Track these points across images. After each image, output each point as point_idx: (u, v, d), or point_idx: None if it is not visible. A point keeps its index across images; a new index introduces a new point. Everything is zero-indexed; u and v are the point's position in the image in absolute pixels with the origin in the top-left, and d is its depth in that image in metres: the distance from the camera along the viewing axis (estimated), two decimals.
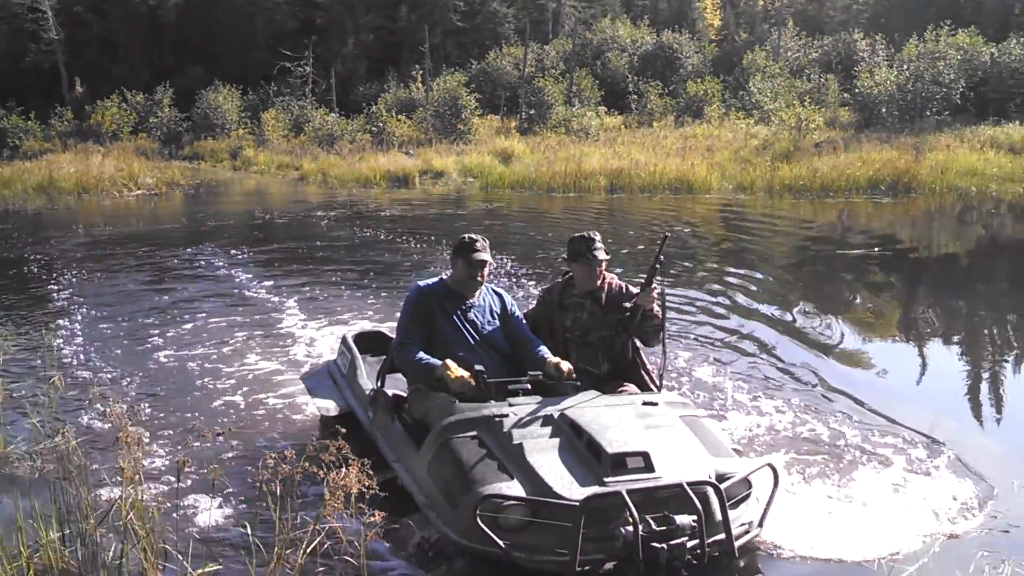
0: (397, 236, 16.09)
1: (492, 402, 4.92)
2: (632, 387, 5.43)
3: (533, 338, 5.53)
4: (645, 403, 5.01)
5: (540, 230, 17.49)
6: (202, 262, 13.90)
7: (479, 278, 5.43)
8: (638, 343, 5.63)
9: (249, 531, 4.27)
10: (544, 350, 5.42)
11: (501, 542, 4.09)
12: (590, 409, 4.81)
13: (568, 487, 4.23)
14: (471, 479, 4.38)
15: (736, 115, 35.25)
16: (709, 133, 31.56)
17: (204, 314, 10.31)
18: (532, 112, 36.49)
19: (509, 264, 12.82)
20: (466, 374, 5.03)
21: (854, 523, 4.87)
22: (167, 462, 5.73)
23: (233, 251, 14.78)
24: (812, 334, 9.26)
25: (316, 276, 12.57)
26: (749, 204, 20.70)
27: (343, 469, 4.01)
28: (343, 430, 4.95)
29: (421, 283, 5.56)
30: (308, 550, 4.03)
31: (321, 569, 4.24)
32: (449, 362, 5.09)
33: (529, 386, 5.07)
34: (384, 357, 5.92)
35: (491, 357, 5.36)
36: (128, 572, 4.14)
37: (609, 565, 4.08)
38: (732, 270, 12.77)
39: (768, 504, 4.51)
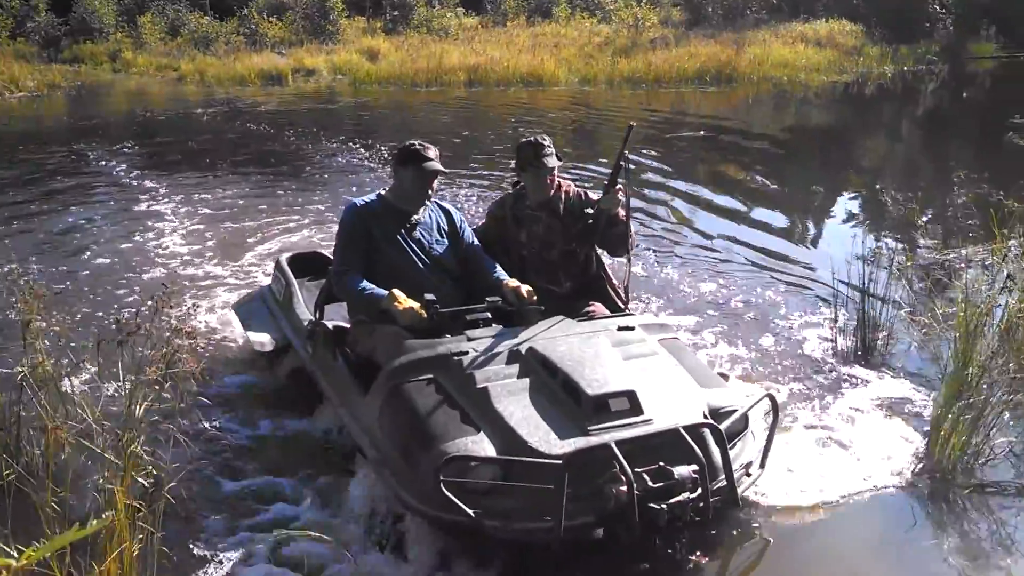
0: (277, 128, 15.51)
1: (447, 336, 3.83)
2: (600, 307, 4.43)
3: (487, 259, 4.36)
4: (620, 328, 3.97)
5: (408, 120, 17.26)
6: (90, 156, 13.11)
7: (430, 191, 4.23)
8: (602, 255, 4.67)
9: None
10: (501, 272, 4.28)
11: (470, 511, 3.11)
12: (561, 340, 3.77)
13: (546, 440, 3.23)
14: (430, 434, 3.35)
15: (581, 15, 35.00)
16: (557, 31, 31.20)
17: (96, 214, 9.78)
18: (395, 13, 35.45)
19: (385, 150, 12.55)
20: (415, 305, 3.89)
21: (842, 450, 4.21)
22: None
23: (118, 146, 13.97)
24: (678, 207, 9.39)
25: (201, 167, 12.05)
26: (593, 95, 20.74)
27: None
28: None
29: (357, 201, 4.31)
30: None
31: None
32: (396, 292, 3.94)
33: (488, 315, 3.98)
34: (324, 281, 4.68)
35: (442, 282, 4.21)
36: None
37: (599, 531, 3.19)
38: (582, 153, 12.82)
39: (768, 441, 3.59)
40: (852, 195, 10.14)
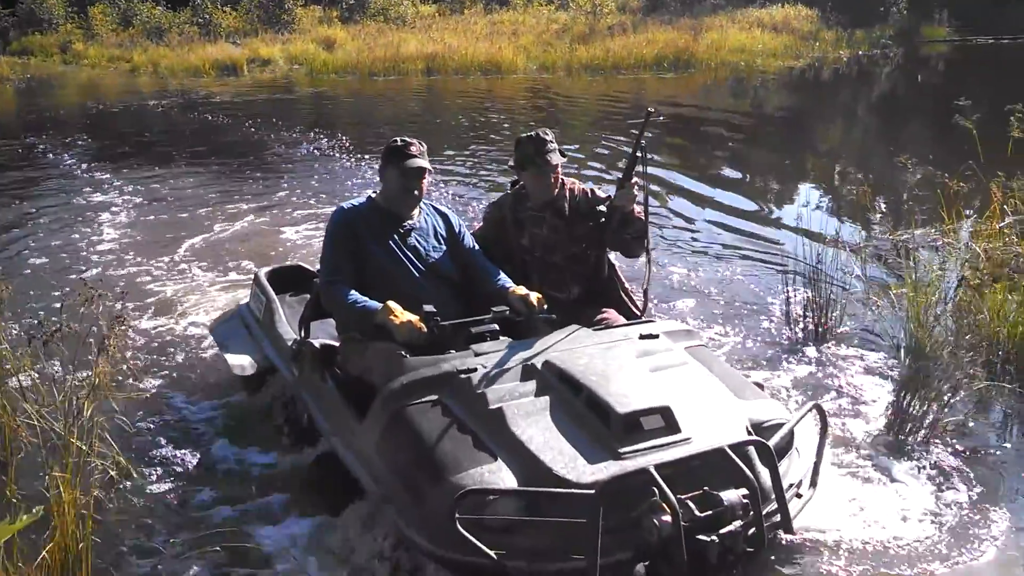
0: (234, 119, 15.40)
1: (452, 352, 3.45)
2: (613, 313, 4.09)
3: (490, 265, 4.01)
4: (643, 336, 3.59)
5: (367, 109, 17.20)
6: (41, 150, 12.96)
7: (417, 191, 3.85)
8: (613, 257, 4.35)
9: None
10: (505, 278, 3.92)
11: (491, 552, 2.71)
12: (580, 352, 3.40)
13: (574, 467, 2.84)
14: (441, 464, 2.93)
15: (538, 2, 35.01)
16: (515, 19, 31.18)
17: (46, 208, 9.69)
18: (352, 2, 35.22)
19: (347, 140, 12.54)
20: (414, 318, 3.49)
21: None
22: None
23: (70, 139, 13.81)
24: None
25: (157, 161, 11.94)
26: (553, 82, 20.79)
27: None
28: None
29: (344, 204, 3.93)
30: None
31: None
32: (391, 304, 3.54)
33: (496, 327, 3.60)
34: (307, 297, 4.36)
35: (441, 292, 3.84)
36: None
37: (640, 567, 2.74)
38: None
39: (819, 456, 3.27)
40: (808, 178, 10.34)
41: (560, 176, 4.14)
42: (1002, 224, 5.14)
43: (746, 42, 24.10)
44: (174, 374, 5.09)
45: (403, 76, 22.43)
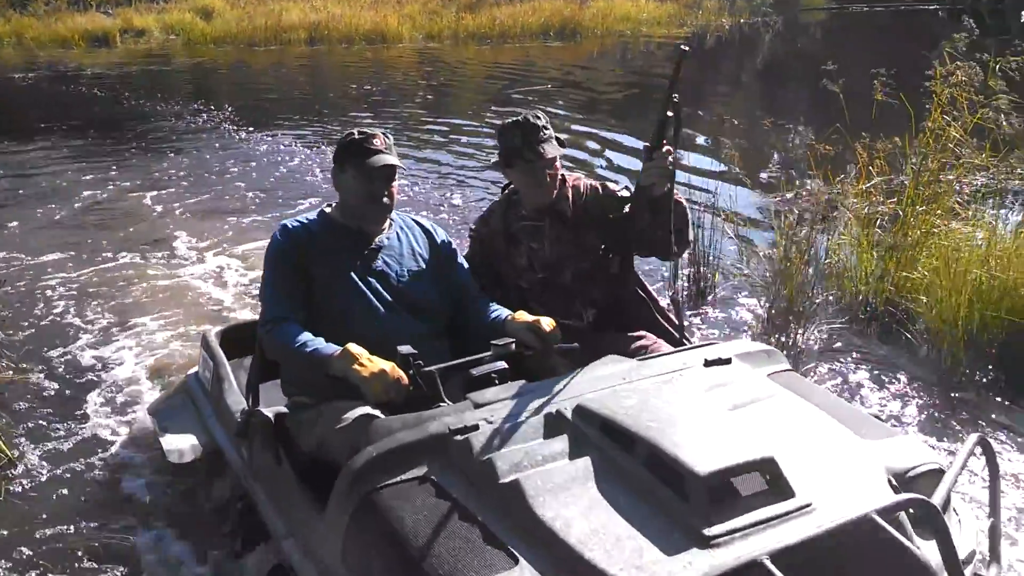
0: (110, 92, 14.94)
1: (444, 406, 2.47)
2: (652, 337, 3.24)
3: (481, 293, 3.17)
4: (708, 363, 2.61)
5: (249, 81, 16.91)
6: None
7: (386, 198, 2.97)
8: (637, 261, 3.43)
9: None
10: (499, 308, 3.06)
11: None
12: (625, 390, 2.42)
13: (638, 566, 1.83)
14: (433, 573, 1.95)
15: None
16: None
17: None
18: None
19: (231, 112, 12.35)
20: (387, 365, 2.56)
21: None
22: None
23: None
24: None
25: (26, 136, 11.55)
26: (440, 51, 20.81)
27: None
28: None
29: (288, 222, 3.02)
30: None
31: None
32: (353, 348, 2.61)
33: (503, 365, 2.62)
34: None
35: (418, 329, 2.93)
36: None
37: None
38: (435, 117, 12.97)
39: (994, 515, 2.35)
40: (688, 145, 10.69)
41: (560, 171, 3.27)
42: (868, 185, 5.49)
43: (631, 11, 24.55)
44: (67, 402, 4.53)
45: (285, 46, 22.05)
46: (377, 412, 2.52)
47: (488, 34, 22.47)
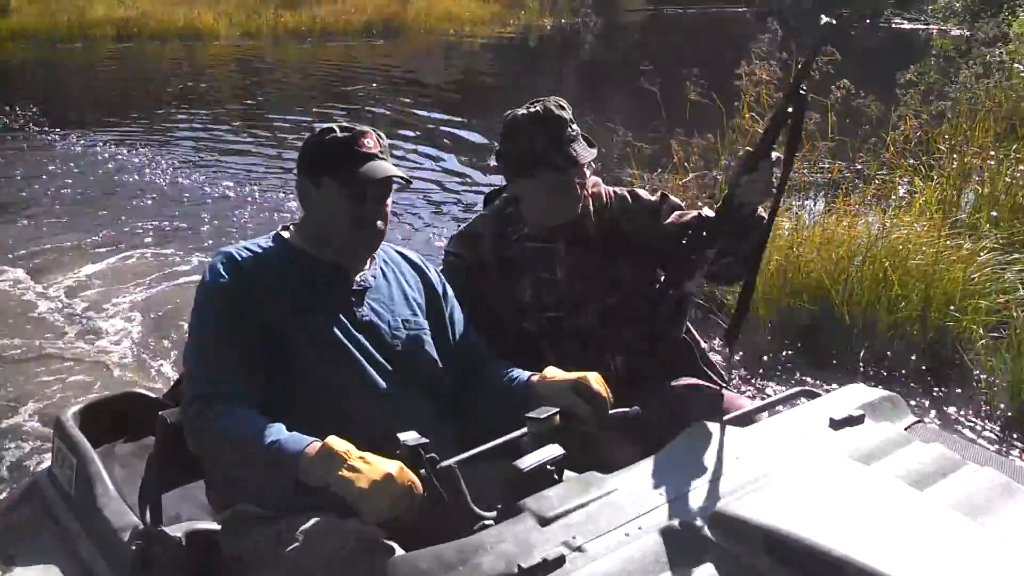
0: None
1: (487, 523, 1.61)
2: (699, 382, 2.51)
3: (490, 349, 2.37)
4: (837, 423, 1.84)
5: (55, 80, 16.07)
6: None
7: (380, 222, 2.14)
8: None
9: None
10: (513, 368, 2.26)
11: None
12: (763, 480, 1.63)
13: None
14: None
15: None
16: None
17: None
18: None
19: (37, 112, 11.71)
20: (391, 466, 1.69)
21: None
22: None
23: None
24: None
25: None
26: (258, 49, 20.43)
27: None
28: None
29: (231, 250, 2.13)
30: None
31: None
32: (336, 443, 1.73)
33: (560, 449, 1.73)
34: (154, 442, 2.28)
35: (429, 409, 2.12)
36: None
37: None
38: (258, 116, 12.76)
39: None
40: None
41: (588, 181, 2.53)
42: (685, 180, 5.84)
43: (454, 10, 24.79)
44: None
45: (92, 43, 21.09)
46: (379, 532, 1.72)
47: (309, 32, 22.21)
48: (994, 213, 5.54)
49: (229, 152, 9.92)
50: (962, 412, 4.22)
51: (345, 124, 2.14)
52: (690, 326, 2.69)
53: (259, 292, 2.04)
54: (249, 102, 13.78)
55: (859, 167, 6.10)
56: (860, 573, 1.31)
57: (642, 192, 2.61)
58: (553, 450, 1.73)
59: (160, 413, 2.15)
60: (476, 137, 11.15)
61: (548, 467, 1.71)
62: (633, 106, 10.34)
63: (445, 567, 1.45)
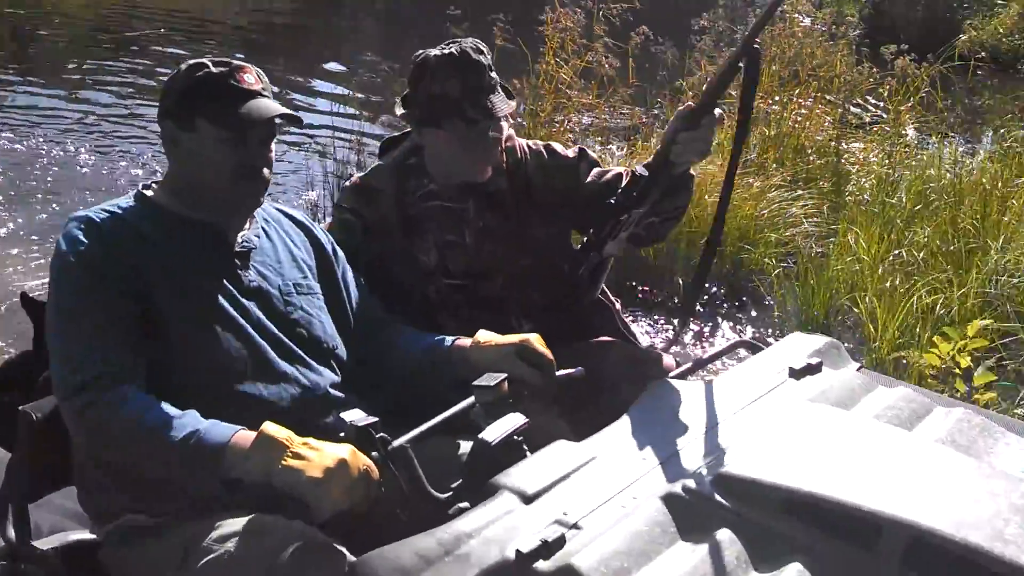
0: None
1: (465, 508, 1.45)
2: (630, 345, 2.43)
3: (385, 312, 2.18)
4: (796, 372, 1.74)
5: None
6: None
7: (266, 170, 1.89)
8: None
9: None
10: (425, 333, 2.12)
11: None
12: (761, 438, 1.52)
13: None
14: None
15: None
16: None
17: None
18: None
19: None
20: (341, 450, 1.50)
21: None
22: None
23: None
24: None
25: None
26: None
27: None
28: None
29: (90, 214, 1.83)
30: None
31: None
32: (273, 429, 1.55)
33: (525, 419, 1.61)
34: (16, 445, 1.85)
35: (334, 380, 1.91)
36: None
37: None
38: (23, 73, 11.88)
39: None
40: (311, 90, 10.71)
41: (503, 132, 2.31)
42: None
43: None
44: None
45: None
46: (317, 533, 1.53)
47: None
48: (779, 153, 5.98)
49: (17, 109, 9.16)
50: (757, 336, 4.58)
51: (218, 58, 1.89)
52: (606, 288, 2.51)
53: (127, 259, 1.77)
54: (29, 52, 12.78)
55: (656, 112, 6.39)
56: (896, 526, 1.26)
57: (558, 147, 2.42)
58: (516, 419, 1.60)
59: (21, 409, 1.82)
60: (292, 80, 10.82)
61: (515, 438, 1.59)
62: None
63: (428, 561, 1.30)
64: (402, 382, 2.06)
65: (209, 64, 1.86)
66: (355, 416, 1.55)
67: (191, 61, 1.90)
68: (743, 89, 1.95)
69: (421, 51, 2.27)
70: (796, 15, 6.65)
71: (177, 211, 1.89)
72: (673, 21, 6.90)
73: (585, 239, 2.33)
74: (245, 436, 1.58)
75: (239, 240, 1.92)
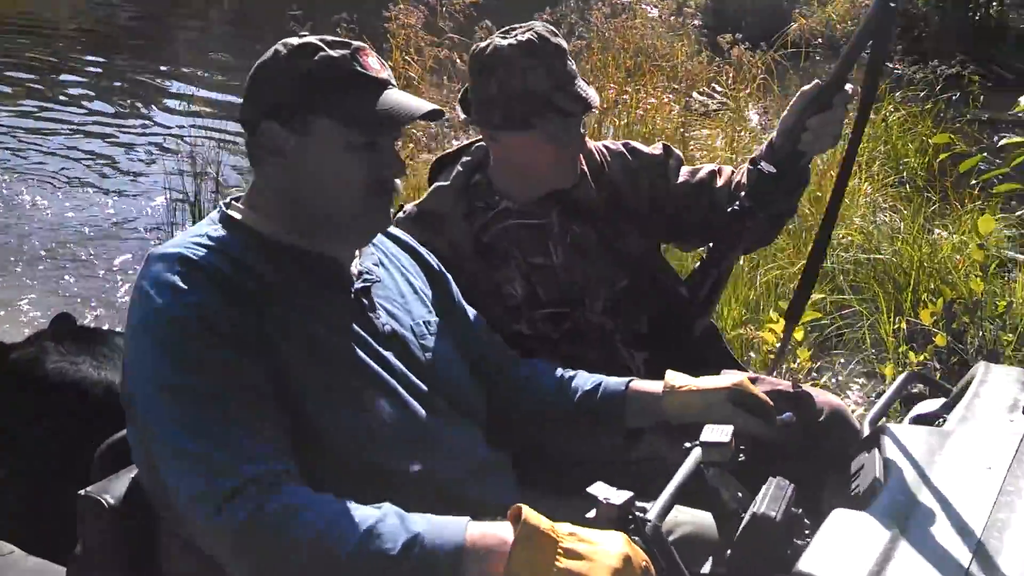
0: None
1: None
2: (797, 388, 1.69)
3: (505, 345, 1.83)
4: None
5: None
6: None
7: (397, 187, 1.51)
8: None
9: None
10: (577, 373, 1.74)
11: None
12: None
13: None
14: None
15: None
16: None
17: None
18: None
19: None
20: (620, 543, 1.13)
21: None
22: None
23: None
24: None
25: None
26: None
27: None
28: None
29: (181, 249, 1.36)
30: None
31: None
32: (536, 518, 1.13)
33: (787, 487, 1.29)
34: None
35: (470, 433, 1.57)
36: None
37: None
38: None
39: None
40: (162, 94, 10.41)
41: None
42: None
43: None
44: None
45: None
46: None
47: None
48: None
49: None
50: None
51: (325, 37, 1.47)
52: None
53: (248, 310, 1.35)
54: None
55: None
56: None
57: (640, 146, 2.12)
58: (781, 485, 1.30)
59: (84, 494, 1.44)
60: (141, 80, 10.44)
61: (795, 510, 1.28)
62: None
63: None
64: (536, 428, 1.71)
65: (323, 44, 1.43)
66: (608, 493, 1.22)
67: (291, 41, 1.46)
68: (870, 59, 1.65)
69: (479, 44, 1.95)
70: (643, 6, 6.84)
71: (283, 240, 1.47)
72: (517, 14, 6.99)
73: (706, 253, 2.02)
74: (481, 531, 1.17)
75: (358, 273, 1.53)
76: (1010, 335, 3.79)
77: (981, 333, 3.84)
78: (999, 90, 7.83)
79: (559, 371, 1.73)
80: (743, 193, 1.90)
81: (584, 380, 1.70)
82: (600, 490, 1.23)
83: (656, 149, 2.10)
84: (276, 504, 1.19)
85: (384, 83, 1.46)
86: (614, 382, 1.67)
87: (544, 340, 1.97)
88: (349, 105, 1.41)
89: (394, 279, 1.61)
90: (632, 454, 1.69)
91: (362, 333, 1.46)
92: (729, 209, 1.89)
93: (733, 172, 2.06)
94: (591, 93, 1.91)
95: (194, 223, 5.44)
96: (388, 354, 1.47)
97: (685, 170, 2.10)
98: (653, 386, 1.63)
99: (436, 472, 1.43)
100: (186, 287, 1.31)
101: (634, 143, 2.12)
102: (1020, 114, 4.78)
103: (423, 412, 1.46)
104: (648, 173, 2.08)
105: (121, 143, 7.96)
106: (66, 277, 5.13)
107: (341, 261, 1.52)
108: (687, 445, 1.36)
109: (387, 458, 1.39)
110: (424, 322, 1.59)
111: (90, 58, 11.85)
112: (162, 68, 10.77)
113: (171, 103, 9.24)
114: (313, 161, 1.44)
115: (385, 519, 1.19)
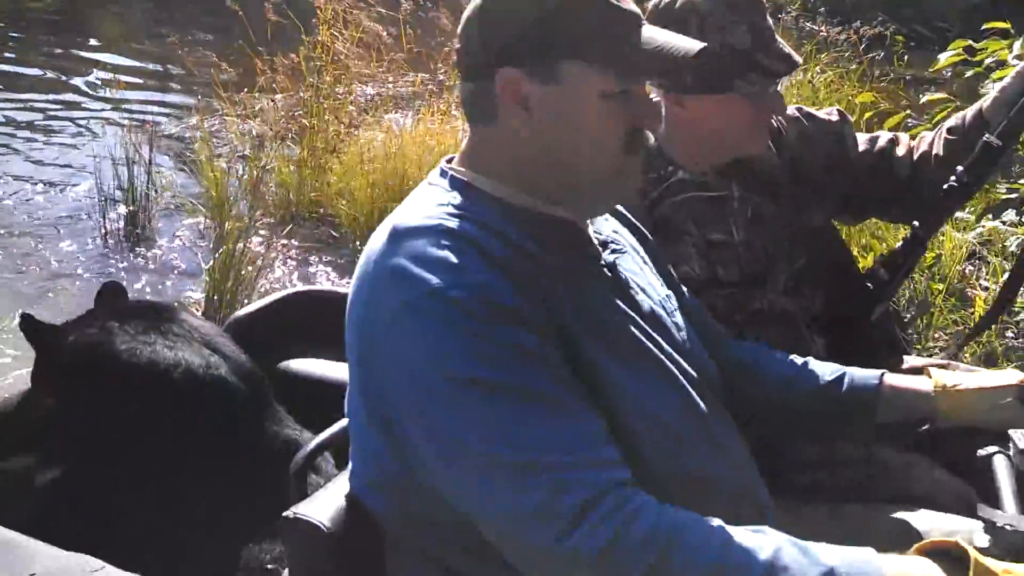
0: None
1: None
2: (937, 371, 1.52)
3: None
4: None
5: None
6: None
7: (646, 140, 1.30)
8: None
9: None
10: (808, 361, 1.52)
11: None
12: None
13: None
14: None
15: None
16: None
17: None
18: None
19: None
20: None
21: None
22: None
23: None
24: None
25: None
26: None
27: None
28: None
29: (442, 221, 1.15)
30: None
31: None
32: (981, 557, 0.95)
33: None
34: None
35: (730, 424, 1.34)
36: None
37: None
38: None
39: None
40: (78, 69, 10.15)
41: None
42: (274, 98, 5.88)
43: None
44: None
45: None
46: None
47: None
48: None
49: None
50: None
51: None
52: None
53: (536, 294, 1.16)
54: None
55: (441, 78, 6.45)
56: None
57: (814, 111, 1.98)
58: None
59: (291, 516, 1.28)
60: (63, 65, 10.15)
61: None
62: (217, 25, 10.02)
63: None
64: (777, 420, 1.53)
65: None
66: (1011, 519, 1.08)
67: None
68: None
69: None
70: None
71: (529, 207, 1.25)
72: None
73: (911, 231, 1.83)
74: (901, 571, 0.99)
75: (604, 243, 1.34)
76: (940, 284, 3.95)
77: (912, 285, 3.99)
78: (921, 49, 8.03)
79: (785, 356, 1.53)
80: (960, 168, 1.74)
81: (823, 369, 1.50)
82: (1001, 516, 1.11)
83: (832, 115, 1.97)
84: (645, 523, 1.01)
85: (639, 18, 1.24)
86: (861, 374, 1.47)
87: (727, 323, 1.73)
88: (605, 46, 1.19)
89: (625, 249, 1.39)
90: (838, 455, 1.60)
91: (631, 313, 1.26)
92: (946, 186, 1.74)
93: (913, 141, 1.93)
94: (792, 52, 1.75)
95: (129, 210, 5.67)
96: (658, 337, 1.28)
97: (863, 137, 1.97)
98: (915, 383, 1.45)
99: (721, 476, 1.25)
100: (463, 264, 1.11)
101: (807, 108, 1.99)
102: (941, 72, 4.93)
103: (703, 405, 1.28)
104: (825, 140, 1.94)
105: (45, 128, 7.71)
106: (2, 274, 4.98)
107: (583, 229, 1.31)
108: (990, 450, 1.26)
109: (693, 462, 1.21)
110: (667, 296, 1.39)
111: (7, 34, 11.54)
112: (80, 42, 10.47)
113: (94, 82, 8.98)
114: (563, 114, 1.21)
115: (782, 548, 1.00)
